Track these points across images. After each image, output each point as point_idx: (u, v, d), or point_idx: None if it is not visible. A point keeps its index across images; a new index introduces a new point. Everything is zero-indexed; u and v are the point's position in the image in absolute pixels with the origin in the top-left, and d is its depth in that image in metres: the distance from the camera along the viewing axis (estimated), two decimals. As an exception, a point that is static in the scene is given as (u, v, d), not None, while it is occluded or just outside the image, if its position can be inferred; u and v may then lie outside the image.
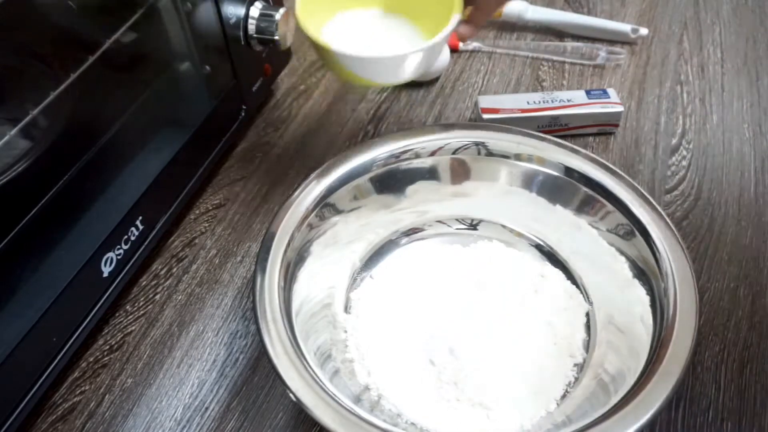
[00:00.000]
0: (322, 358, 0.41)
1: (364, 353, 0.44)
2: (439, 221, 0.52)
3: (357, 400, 0.40)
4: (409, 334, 0.45)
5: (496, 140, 0.50)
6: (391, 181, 0.50)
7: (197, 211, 0.57)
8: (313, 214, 0.46)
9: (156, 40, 0.51)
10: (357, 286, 0.49)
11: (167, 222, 0.52)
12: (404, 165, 0.50)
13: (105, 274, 0.45)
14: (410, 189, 0.51)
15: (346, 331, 0.45)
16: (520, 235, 0.51)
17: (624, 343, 0.42)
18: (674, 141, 0.62)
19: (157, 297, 0.51)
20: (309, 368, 0.37)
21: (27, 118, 0.39)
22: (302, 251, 0.45)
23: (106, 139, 0.46)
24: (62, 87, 0.41)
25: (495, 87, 0.69)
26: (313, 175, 0.47)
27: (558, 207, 0.49)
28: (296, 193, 0.46)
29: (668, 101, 0.66)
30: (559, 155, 0.48)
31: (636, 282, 0.44)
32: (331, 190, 0.47)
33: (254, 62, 0.59)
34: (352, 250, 0.50)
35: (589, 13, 0.77)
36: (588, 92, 0.63)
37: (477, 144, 0.50)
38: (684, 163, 0.60)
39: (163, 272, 0.53)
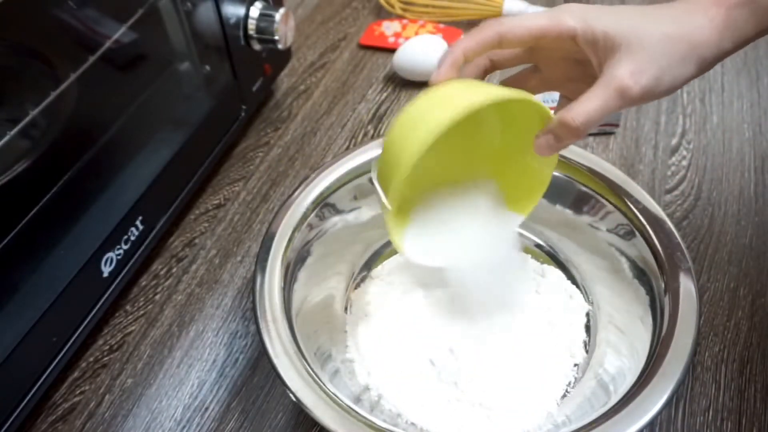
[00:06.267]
0: (322, 358, 0.41)
1: (364, 353, 0.44)
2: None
3: (357, 400, 0.40)
4: (409, 334, 0.45)
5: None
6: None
7: (197, 211, 0.57)
8: (313, 214, 0.46)
9: (156, 40, 0.51)
10: (357, 286, 0.49)
11: (167, 222, 0.52)
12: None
13: (105, 274, 0.45)
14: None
15: (346, 331, 0.45)
16: (520, 234, 0.51)
17: (624, 343, 0.42)
18: (674, 141, 0.62)
19: (157, 297, 0.51)
20: (309, 368, 0.37)
21: (27, 118, 0.39)
22: (302, 251, 0.45)
23: (106, 139, 0.46)
24: (62, 87, 0.41)
25: (495, 87, 0.69)
26: (313, 175, 0.47)
27: (558, 207, 0.49)
28: (296, 193, 0.46)
29: (668, 101, 0.66)
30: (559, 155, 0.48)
31: (636, 282, 0.44)
32: (331, 190, 0.47)
33: (254, 62, 0.59)
34: (352, 250, 0.50)
35: (589, 13, 0.76)
36: (588, 92, 0.63)
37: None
38: (684, 163, 0.60)
39: (162, 272, 0.53)
